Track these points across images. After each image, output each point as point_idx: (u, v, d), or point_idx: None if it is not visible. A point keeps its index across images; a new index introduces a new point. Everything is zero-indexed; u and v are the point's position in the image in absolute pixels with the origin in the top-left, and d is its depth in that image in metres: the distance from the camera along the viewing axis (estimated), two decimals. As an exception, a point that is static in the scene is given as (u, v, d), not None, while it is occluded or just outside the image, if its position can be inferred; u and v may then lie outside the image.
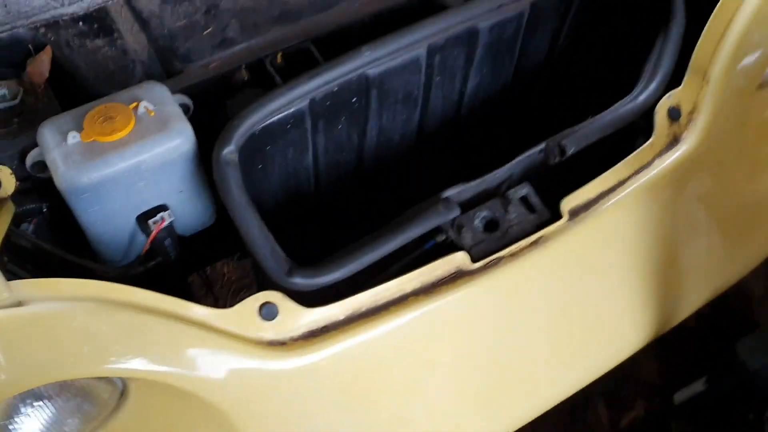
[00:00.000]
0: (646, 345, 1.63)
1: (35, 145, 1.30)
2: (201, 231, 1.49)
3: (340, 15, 1.55)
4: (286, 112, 1.34)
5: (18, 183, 1.29)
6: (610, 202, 1.40)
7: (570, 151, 1.39)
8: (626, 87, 1.48)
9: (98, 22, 1.50)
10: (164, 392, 1.17)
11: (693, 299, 1.58)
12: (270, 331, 1.21)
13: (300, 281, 1.23)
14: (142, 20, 1.51)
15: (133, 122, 1.27)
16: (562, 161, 1.40)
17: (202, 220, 1.46)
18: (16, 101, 1.42)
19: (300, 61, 1.45)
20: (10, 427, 1.14)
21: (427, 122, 1.61)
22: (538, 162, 1.41)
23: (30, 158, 1.31)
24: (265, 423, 1.23)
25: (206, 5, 1.54)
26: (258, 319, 1.20)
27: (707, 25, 1.44)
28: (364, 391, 1.29)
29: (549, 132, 1.43)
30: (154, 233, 1.34)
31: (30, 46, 1.48)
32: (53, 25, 1.48)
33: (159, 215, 1.35)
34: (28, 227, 1.37)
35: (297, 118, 1.37)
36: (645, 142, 1.43)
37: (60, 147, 1.25)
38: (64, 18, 1.49)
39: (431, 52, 1.44)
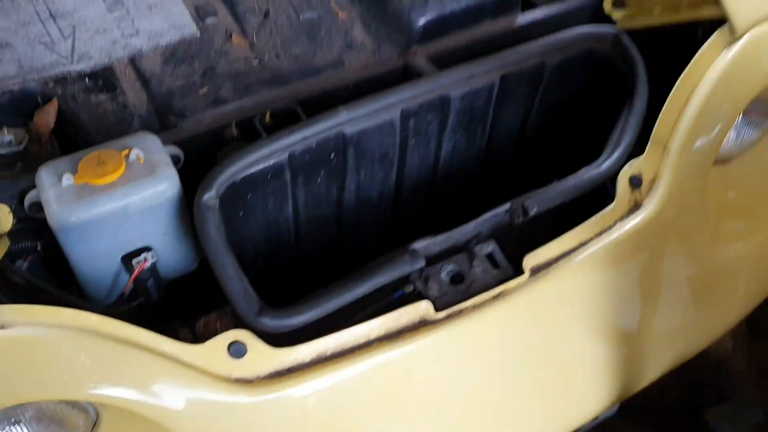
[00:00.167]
0: (615, 412, 1.66)
1: (35, 187, 1.37)
2: (185, 276, 1.55)
3: (327, 80, 1.63)
4: (266, 164, 1.41)
5: (16, 222, 1.36)
6: (571, 262, 1.45)
7: (533, 211, 1.45)
8: (594, 154, 1.56)
9: (103, 79, 1.58)
10: (135, 422, 1.21)
11: (656, 365, 1.61)
12: (237, 369, 1.24)
13: (269, 322, 1.28)
14: (143, 79, 1.59)
15: (123, 167, 1.34)
16: (526, 221, 1.46)
17: (184, 264, 1.52)
18: (21, 147, 1.48)
19: (287, 121, 1.52)
20: (-14, 452, 1.18)
21: (404, 181, 1.67)
22: (503, 220, 1.47)
23: (28, 199, 1.37)
24: (227, 455, 1.26)
25: (203, 68, 1.62)
26: (227, 357, 1.24)
27: (668, 100, 1.53)
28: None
29: (520, 192, 1.50)
30: (136, 272, 1.41)
31: (38, 98, 1.55)
32: (61, 80, 1.56)
33: (143, 255, 1.41)
34: (22, 264, 1.43)
35: (277, 170, 1.44)
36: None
37: (54, 187, 1.33)
38: (72, 74, 1.58)
39: (405, 116, 1.52)
